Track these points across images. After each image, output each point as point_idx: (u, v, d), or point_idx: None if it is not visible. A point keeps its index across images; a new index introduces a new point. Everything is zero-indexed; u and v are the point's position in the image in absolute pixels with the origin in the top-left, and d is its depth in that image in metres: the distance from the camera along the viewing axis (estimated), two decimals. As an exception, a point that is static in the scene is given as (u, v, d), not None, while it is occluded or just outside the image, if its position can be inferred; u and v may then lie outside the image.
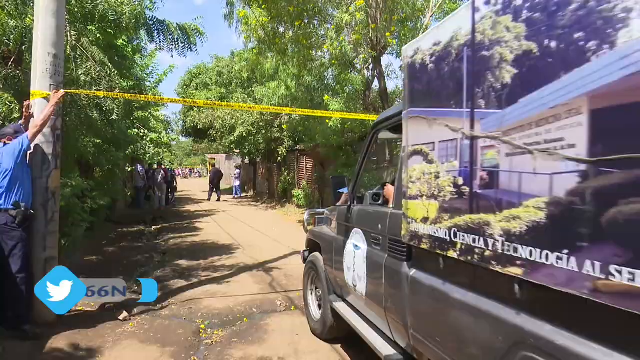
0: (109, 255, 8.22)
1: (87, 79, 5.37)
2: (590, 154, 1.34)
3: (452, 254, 2.01)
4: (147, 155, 15.16)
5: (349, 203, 3.55)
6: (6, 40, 4.81)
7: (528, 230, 1.55)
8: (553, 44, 1.47)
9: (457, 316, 2.00)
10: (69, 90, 4.90)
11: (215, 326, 4.67)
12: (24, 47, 5.08)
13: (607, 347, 1.31)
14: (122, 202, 15.34)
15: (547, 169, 1.50)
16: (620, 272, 1.23)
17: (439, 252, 2.13)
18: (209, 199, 21.15)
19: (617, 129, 1.28)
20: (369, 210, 3.24)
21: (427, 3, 10.86)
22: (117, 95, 5.33)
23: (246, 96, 18.47)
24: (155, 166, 18.00)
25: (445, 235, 2.05)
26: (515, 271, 1.62)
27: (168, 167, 23.21)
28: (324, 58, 11.53)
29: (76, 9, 5.44)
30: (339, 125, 10.67)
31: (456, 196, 1.99)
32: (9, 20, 4.80)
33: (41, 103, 4.32)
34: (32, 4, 4.76)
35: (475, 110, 1.85)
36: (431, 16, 10.58)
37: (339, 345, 4.09)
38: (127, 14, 5.48)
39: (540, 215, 1.50)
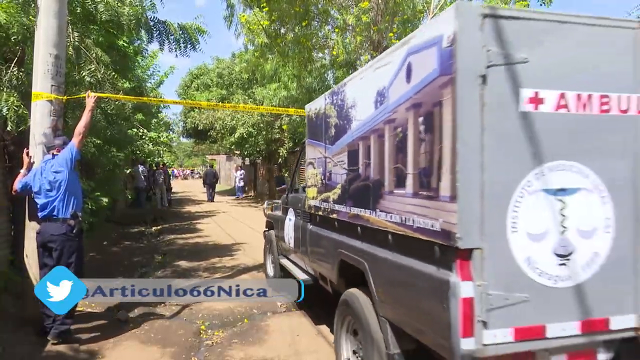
0: (109, 256, 8.23)
1: (92, 80, 5.38)
2: (348, 166, 3.24)
3: (320, 213, 3.91)
4: (146, 152, 15.10)
5: (287, 193, 5.43)
6: (10, 41, 4.79)
7: (338, 198, 3.43)
8: (340, 122, 3.38)
9: (322, 243, 3.92)
10: (102, 94, 4.92)
11: (215, 327, 4.68)
12: (26, 47, 5.07)
13: (356, 238, 3.12)
14: (123, 202, 15.34)
15: (340, 173, 3.40)
16: (352, 208, 3.11)
17: (316, 213, 4.05)
18: (208, 200, 21.20)
19: (352, 158, 3.15)
20: (296, 196, 5.05)
21: (427, 5, 10.88)
22: (128, 98, 5.40)
23: (247, 97, 18.47)
24: (155, 167, 18.00)
25: (318, 204, 3.95)
26: (335, 216, 3.50)
27: (168, 164, 23.11)
28: (325, 59, 11.53)
29: (78, 10, 5.44)
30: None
31: (321, 185, 3.88)
32: (13, 20, 4.78)
33: (44, 105, 4.33)
34: (33, 4, 4.76)
35: (326, 144, 3.74)
36: (432, 18, 10.59)
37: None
38: (126, 14, 5.46)
39: (340, 191, 3.39)
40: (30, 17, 4.95)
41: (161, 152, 17.94)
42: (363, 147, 2.96)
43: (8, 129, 4.73)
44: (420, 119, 2.23)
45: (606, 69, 2.18)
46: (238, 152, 23.05)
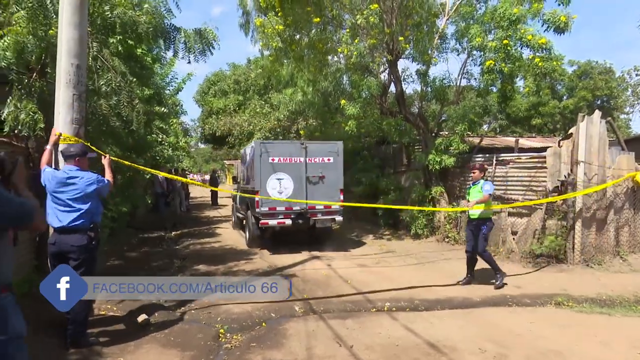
0: (130, 260, 8.38)
1: (108, 89, 5.49)
2: (246, 173, 11.14)
3: (242, 192, 10.98)
4: (166, 157, 15.25)
5: (238, 182, 13.04)
6: (28, 57, 4.93)
7: (245, 183, 11.07)
8: (246, 158, 11.12)
9: (244, 200, 10.87)
10: (114, 158, 5.12)
11: (234, 330, 4.72)
12: (47, 59, 5.21)
13: (249, 195, 10.01)
14: (143, 208, 15.54)
15: (246, 175, 11.09)
16: (247, 186, 10.59)
17: (243, 192, 11.05)
18: (212, 203, 21.80)
19: (247, 170, 10.97)
20: (241, 186, 11.95)
21: (442, 6, 10.79)
22: (138, 167, 5.80)
23: (263, 103, 18.64)
24: (174, 173, 18.20)
25: (243, 186, 11.41)
26: (246, 194, 10.25)
27: (188, 170, 23.32)
28: (340, 63, 11.54)
29: (98, 21, 5.57)
30: (355, 129, 10.68)
31: (242, 179, 11.75)
32: (29, 37, 4.92)
33: (66, 114, 4.49)
34: (55, 17, 4.90)
35: (244, 164, 11.60)
36: (447, 20, 10.50)
37: (354, 348, 4.10)
38: (143, 22, 5.54)
39: (245, 181, 11.09)
40: (53, 29, 5.10)
41: (180, 157, 18.15)
42: (247, 167, 10.43)
43: (24, 133, 4.89)
44: (252, 163, 9.60)
45: (292, 152, 9.38)
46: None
